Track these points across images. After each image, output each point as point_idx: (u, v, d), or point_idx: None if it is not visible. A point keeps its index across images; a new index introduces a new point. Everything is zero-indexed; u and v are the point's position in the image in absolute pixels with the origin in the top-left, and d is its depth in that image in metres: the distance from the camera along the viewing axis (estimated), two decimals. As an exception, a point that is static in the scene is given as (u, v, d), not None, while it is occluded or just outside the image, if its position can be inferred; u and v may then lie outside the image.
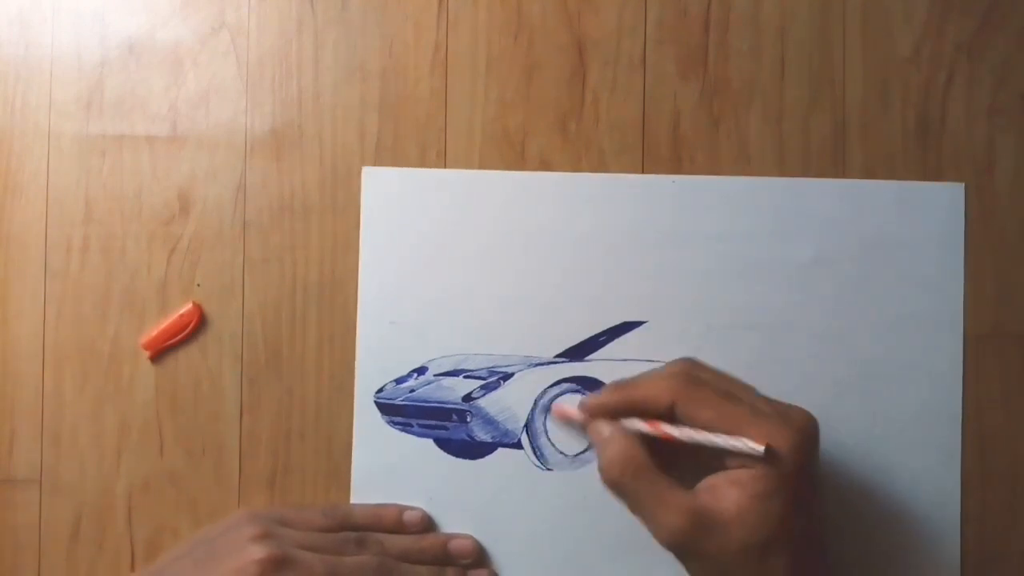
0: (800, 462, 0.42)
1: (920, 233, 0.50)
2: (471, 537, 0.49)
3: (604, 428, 0.45)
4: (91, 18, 0.52)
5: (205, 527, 0.48)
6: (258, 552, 0.43)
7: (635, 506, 0.43)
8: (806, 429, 0.43)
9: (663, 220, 0.50)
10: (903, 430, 0.49)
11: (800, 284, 0.49)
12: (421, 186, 0.51)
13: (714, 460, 0.43)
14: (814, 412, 0.48)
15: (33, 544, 0.50)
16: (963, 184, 0.50)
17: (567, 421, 0.48)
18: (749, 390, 0.44)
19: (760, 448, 0.41)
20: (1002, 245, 0.50)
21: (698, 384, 0.44)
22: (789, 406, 0.44)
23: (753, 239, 0.50)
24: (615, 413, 0.45)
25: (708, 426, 0.42)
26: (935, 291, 0.49)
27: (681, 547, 0.42)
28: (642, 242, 0.50)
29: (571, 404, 0.47)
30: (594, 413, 0.45)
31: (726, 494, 0.42)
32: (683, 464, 0.44)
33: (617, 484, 0.44)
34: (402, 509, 0.49)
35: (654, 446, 0.44)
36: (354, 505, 0.49)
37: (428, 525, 0.49)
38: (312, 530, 0.47)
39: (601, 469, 0.44)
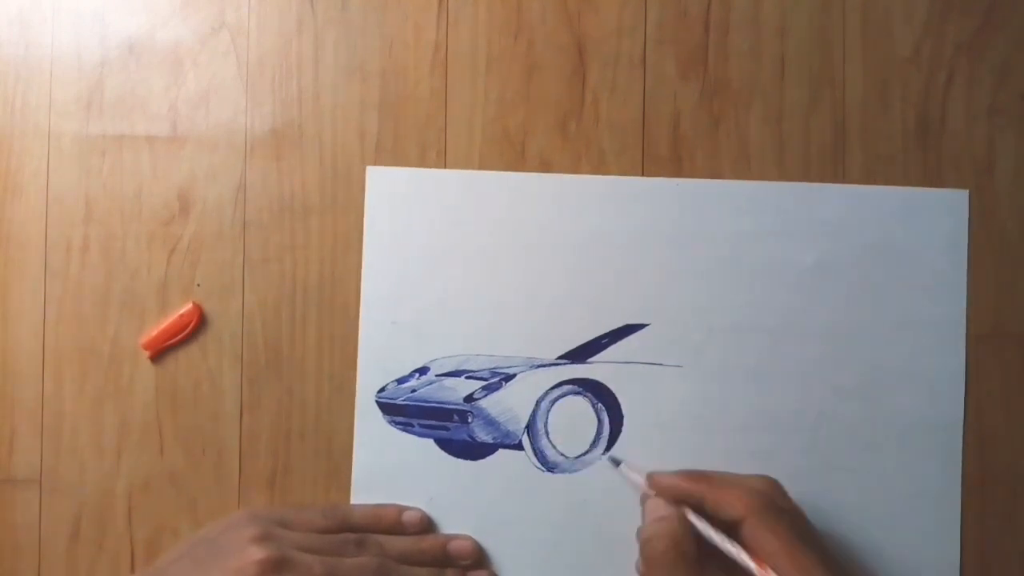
0: None
1: (923, 239, 0.50)
2: (470, 538, 0.49)
3: (662, 508, 0.45)
4: (91, 18, 0.52)
5: (205, 527, 0.48)
6: (257, 553, 0.43)
7: None
8: None
9: (666, 223, 0.50)
10: (904, 434, 0.49)
11: (802, 288, 0.49)
12: (425, 186, 0.51)
13: None
14: (815, 415, 0.48)
15: (33, 544, 0.50)
16: (967, 191, 0.50)
17: (629, 481, 0.48)
18: (820, 538, 0.44)
19: None
20: (1002, 245, 0.50)
21: (777, 512, 0.43)
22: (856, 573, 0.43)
23: (756, 243, 0.50)
24: (680, 499, 0.45)
25: (771, 558, 0.42)
26: (938, 297, 0.49)
27: None
28: (645, 245, 0.50)
29: (633, 471, 0.47)
30: (659, 490, 0.45)
31: None
32: (722, 568, 0.43)
33: (656, 560, 0.44)
34: (401, 510, 0.49)
35: (700, 541, 0.44)
36: (353, 506, 0.49)
37: (427, 526, 0.49)
38: (311, 531, 0.47)
39: (646, 538, 0.44)
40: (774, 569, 0.41)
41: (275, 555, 0.43)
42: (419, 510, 0.49)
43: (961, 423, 0.49)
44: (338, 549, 0.46)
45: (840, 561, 0.43)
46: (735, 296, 0.50)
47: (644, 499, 0.46)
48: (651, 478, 0.46)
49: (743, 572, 0.43)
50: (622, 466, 0.48)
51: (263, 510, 0.48)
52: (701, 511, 0.44)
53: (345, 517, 0.48)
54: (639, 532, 0.45)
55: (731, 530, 0.43)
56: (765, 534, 0.42)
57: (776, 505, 0.44)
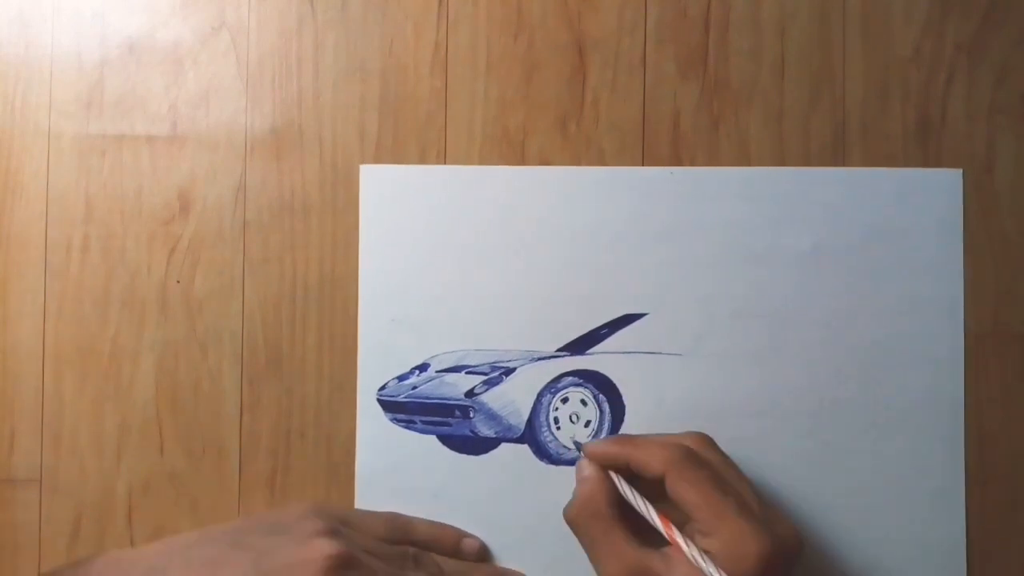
0: (764, 573, 0.41)
1: (919, 220, 0.50)
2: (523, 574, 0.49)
3: (585, 469, 0.45)
4: (91, 18, 0.52)
5: (259, 512, 0.48)
6: (328, 547, 0.42)
7: (584, 544, 0.44)
8: (785, 545, 0.42)
9: (662, 212, 0.50)
10: (906, 418, 0.49)
11: (800, 273, 0.50)
12: (419, 182, 0.51)
13: (693, 535, 0.43)
14: (815, 401, 0.48)
15: (33, 544, 0.50)
16: (960, 170, 0.50)
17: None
18: (746, 485, 0.44)
19: (688, 548, 0.41)
20: (1002, 245, 0.50)
21: (693, 463, 0.43)
22: (780, 517, 0.44)
23: (752, 229, 0.50)
24: (609, 464, 0.45)
25: (690, 508, 0.42)
26: (935, 278, 0.50)
27: None
28: (642, 234, 0.50)
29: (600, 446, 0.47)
30: (590, 456, 0.46)
31: (678, 569, 0.42)
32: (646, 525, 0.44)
33: (572, 521, 0.45)
34: (461, 535, 0.49)
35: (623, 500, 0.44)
36: (414, 520, 0.49)
37: (484, 556, 0.49)
38: (373, 537, 0.46)
39: (566, 506, 0.45)
40: (694, 519, 0.42)
41: (345, 552, 0.42)
42: (478, 539, 0.49)
43: (962, 403, 0.49)
44: (397, 560, 0.45)
45: (764, 509, 0.43)
46: (733, 283, 0.50)
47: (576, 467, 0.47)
48: (584, 447, 0.46)
49: (686, 531, 0.43)
50: (585, 445, 0.49)
51: (328, 506, 0.48)
52: (629, 474, 0.45)
53: (406, 530, 0.48)
54: None
55: (659, 487, 0.44)
56: (683, 486, 0.42)
57: (696, 457, 0.44)
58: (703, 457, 0.44)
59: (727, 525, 0.41)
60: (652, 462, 0.44)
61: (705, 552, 0.41)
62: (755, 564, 0.41)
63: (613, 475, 0.45)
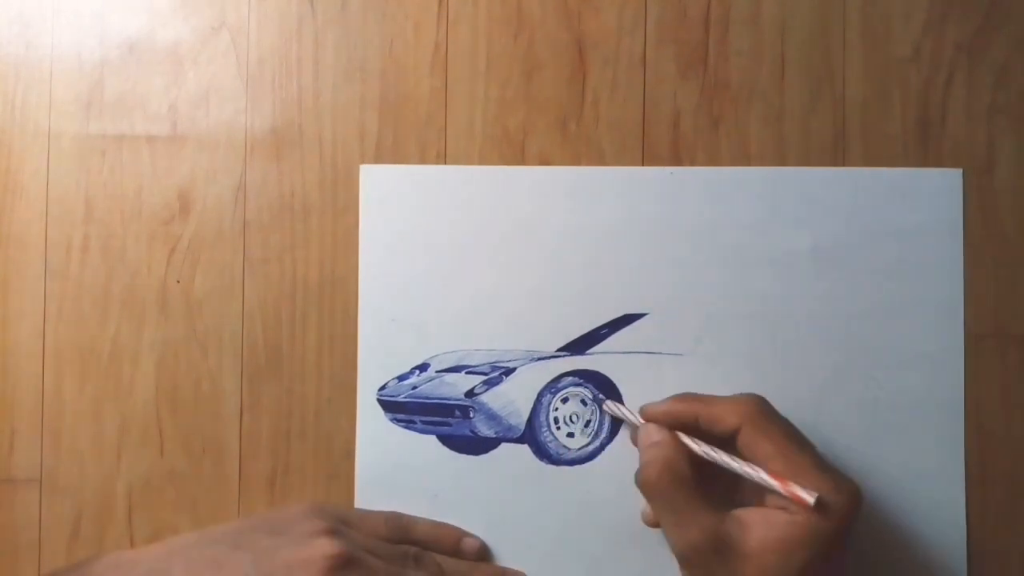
0: (841, 527, 0.41)
1: (919, 220, 0.50)
2: (524, 574, 0.49)
3: (655, 433, 0.45)
4: (91, 18, 0.52)
5: (259, 512, 0.48)
6: (329, 547, 0.42)
7: (662, 512, 0.44)
8: (856, 498, 0.42)
9: (661, 212, 0.50)
10: (906, 418, 0.49)
11: (800, 273, 0.50)
12: (419, 182, 0.51)
13: (754, 496, 0.43)
14: (814, 399, 0.49)
15: (33, 544, 0.50)
16: (960, 170, 0.50)
17: (617, 418, 0.48)
18: (811, 445, 0.44)
19: (811, 498, 0.41)
20: (1002, 246, 0.50)
21: (769, 416, 0.44)
22: (843, 475, 0.44)
23: (752, 229, 0.50)
24: (674, 424, 0.45)
25: (768, 460, 0.42)
26: (935, 278, 0.50)
27: (691, 563, 0.42)
28: (641, 234, 0.50)
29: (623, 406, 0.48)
30: (652, 417, 0.46)
31: (754, 529, 0.42)
32: (721, 491, 0.44)
33: (652, 486, 0.44)
34: (461, 534, 0.49)
35: (697, 465, 0.44)
36: (415, 519, 0.49)
37: (484, 555, 0.49)
38: (374, 536, 0.46)
39: (640, 469, 0.45)
40: (770, 472, 0.42)
41: (346, 552, 0.43)
42: (478, 539, 0.49)
43: (962, 403, 0.49)
44: (398, 560, 0.45)
45: (831, 465, 0.44)
46: (733, 283, 0.50)
47: (637, 432, 0.46)
48: (643, 410, 0.46)
49: (744, 490, 0.44)
50: (607, 403, 0.49)
51: (328, 505, 0.48)
52: (696, 432, 0.45)
53: (407, 529, 0.48)
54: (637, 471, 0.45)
55: (726, 444, 0.44)
56: (760, 439, 0.43)
57: (770, 410, 0.44)
58: (772, 413, 0.44)
59: (808, 478, 0.42)
60: (727, 416, 0.44)
61: (780, 507, 0.41)
62: (837, 516, 0.41)
63: (686, 438, 0.44)
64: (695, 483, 0.43)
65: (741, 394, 0.46)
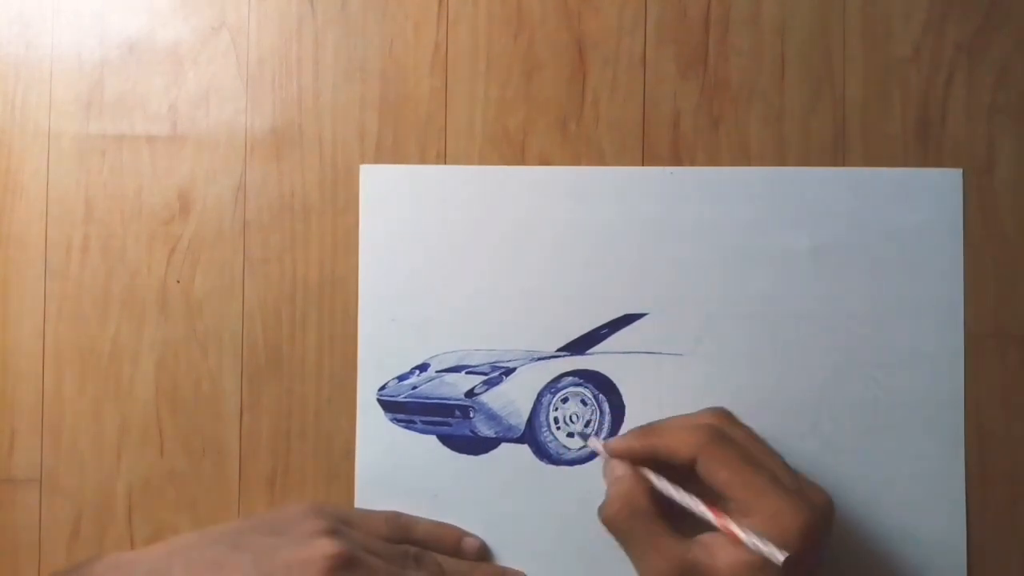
0: (807, 544, 0.41)
1: (919, 220, 0.50)
2: (524, 574, 0.49)
3: (618, 468, 0.45)
4: (91, 18, 0.52)
5: (259, 513, 0.48)
6: (328, 547, 0.42)
7: (627, 546, 0.44)
8: (822, 511, 0.42)
9: (661, 212, 0.50)
10: (906, 418, 0.49)
11: (800, 273, 0.50)
12: (419, 182, 0.51)
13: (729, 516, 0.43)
14: (814, 399, 0.48)
15: (33, 544, 0.50)
16: (961, 170, 0.50)
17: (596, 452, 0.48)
18: (775, 457, 0.44)
19: (745, 536, 0.40)
20: (1002, 246, 0.50)
21: (723, 442, 0.43)
22: (813, 485, 0.43)
23: (752, 229, 0.50)
24: (636, 458, 0.45)
25: (725, 488, 0.42)
26: (935, 278, 0.50)
27: None
28: (641, 234, 0.50)
29: (609, 441, 0.48)
30: (614, 454, 0.46)
31: (721, 554, 0.41)
32: (695, 520, 0.43)
33: (612, 522, 0.44)
34: (462, 534, 0.49)
35: (666, 497, 0.44)
36: (415, 519, 0.49)
37: (484, 555, 0.49)
38: (374, 536, 0.46)
39: (601, 506, 0.45)
40: (730, 499, 0.42)
41: (346, 551, 0.42)
42: (479, 538, 0.49)
43: (962, 403, 0.49)
44: (398, 560, 0.45)
45: (796, 479, 0.43)
46: (733, 283, 0.50)
47: (605, 467, 0.47)
48: (607, 445, 0.46)
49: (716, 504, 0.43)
50: (590, 439, 0.49)
51: (328, 505, 0.48)
52: (660, 465, 0.44)
53: (407, 529, 0.48)
54: None
55: (686, 472, 0.43)
56: (715, 468, 0.42)
57: (723, 435, 0.44)
58: (730, 434, 0.44)
59: (765, 502, 0.41)
60: (681, 448, 0.43)
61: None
62: (799, 537, 0.41)
63: (647, 472, 0.44)
64: (658, 515, 0.43)
65: (703, 411, 0.46)
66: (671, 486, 0.44)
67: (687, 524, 0.43)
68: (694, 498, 0.43)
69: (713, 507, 0.42)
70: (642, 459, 0.45)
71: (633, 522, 0.43)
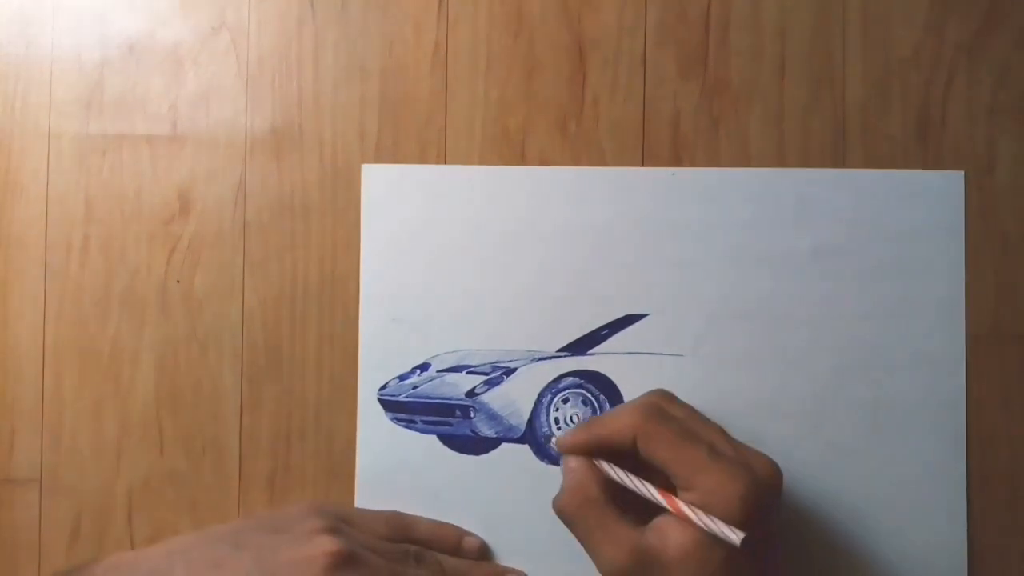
0: (750, 513, 0.41)
1: (920, 221, 0.50)
2: (524, 573, 0.49)
3: (571, 461, 0.45)
4: (91, 18, 0.52)
5: (259, 512, 0.48)
6: (329, 544, 0.42)
7: (580, 536, 0.44)
8: (765, 479, 0.42)
9: (663, 212, 0.50)
10: (906, 418, 0.49)
11: (801, 274, 0.50)
12: (420, 182, 0.51)
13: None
14: (815, 399, 0.48)
15: (33, 544, 0.50)
16: (963, 172, 0.50)
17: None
18: (715, 431, 0.44)
19: (692, 513, 0.40)
20: (1002, 246, 0.50)
21: (660, 421, 0.43)
22: (755, 453, 0.43)
23: (753, 230, 0.50)
24: (585, 450, 0.45)
25: (665, 465, 0.42)
26: (936, 279, 0.50)
27: None
28: (643, 235, 0.50)
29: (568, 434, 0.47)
30: (564, 450, 0.45)
31: (672, 535, 0.41)
32: (654, 506, 0.43)
33: (563, 512, 0.44)
34: (462, 533, 0.49)
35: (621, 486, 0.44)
36: (415, 518, 0.49)
37: (484, 554, 0.49)
38: (374, 536, 0.46)
39: (555, 498, 0.45)
40: (671, 475, 0.42)
41: (346, 549, 0.43)
42: (479, 538, 0.49)
43: (963, 403, 0.49)
44: (399, 558, 0.45)
45: (737, 449, 0.43)
46: (734, 284, 0.50)
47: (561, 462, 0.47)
48: (557, 444, 0.46)
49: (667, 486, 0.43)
50: (553, 439, 0.49)
51: (329, 504, 0.48)
52: (617, 454, 0.44)
53: (407, 528, 0.48)
54: None
55: (638, 457, 0.43)
56: (653, 445, 0.42)
57: (661, 413, 0.43)
58: (668, 411, 0.44)
59: (704, 475, 0.41)
60: (622, 431, 0.43)
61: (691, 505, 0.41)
62: (739, 506, 0.40)
63: (601, 463, 0.44)
64: (607, 503, 0.43)
65: (643, 394, 0.46)
66: (624, 474, 0.44)
67: (651, 512, 0.43)
68: (646, 484, 0.43)
69: (665, 491, 0.42)
70: (592, 450, 0.45)
71: (584, 511, 0.43)
